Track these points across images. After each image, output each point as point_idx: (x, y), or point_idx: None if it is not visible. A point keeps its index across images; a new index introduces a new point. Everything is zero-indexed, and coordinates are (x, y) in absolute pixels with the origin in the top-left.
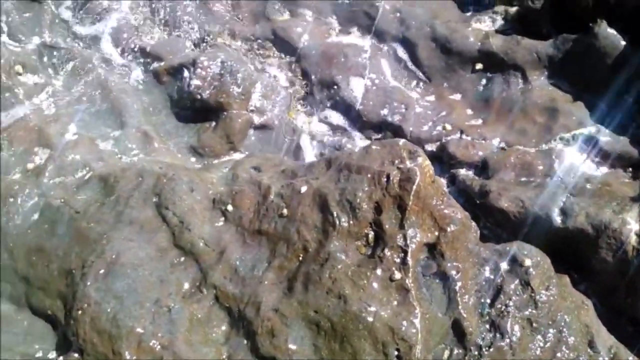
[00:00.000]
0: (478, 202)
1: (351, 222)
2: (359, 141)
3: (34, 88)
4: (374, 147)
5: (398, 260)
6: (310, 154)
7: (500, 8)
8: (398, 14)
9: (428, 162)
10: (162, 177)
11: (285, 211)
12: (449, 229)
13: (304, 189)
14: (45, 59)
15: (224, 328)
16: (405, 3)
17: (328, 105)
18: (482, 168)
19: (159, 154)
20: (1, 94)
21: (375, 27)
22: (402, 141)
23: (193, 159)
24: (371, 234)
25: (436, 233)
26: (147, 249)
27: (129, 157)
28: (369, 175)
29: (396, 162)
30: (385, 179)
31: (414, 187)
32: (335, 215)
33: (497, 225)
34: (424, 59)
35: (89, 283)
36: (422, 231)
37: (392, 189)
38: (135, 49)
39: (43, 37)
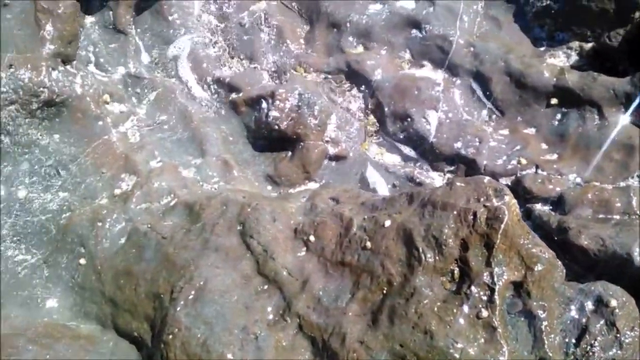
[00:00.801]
0: (556, 238)
1: (437, 257)
2: (432, 174)
3: (120, 116)
4: (458, 183)
5: (485, 297)
6: (383, 185)
7: (574, 44)
8: (472, 49)
9: (514, 200)
10: (246, 207)
11: (368, 244)
12: (536, 268)
13: (387, 223)
14: (129, 88)
15: (308, 357)
16: (479, 38)
17: (401, 137)
18: (559, 203)
19: (237, 182)
20: (91, 122)
21: (449, 61)
22: (486, 179)
23: (269, 187)
24: (456, 270)
25: (523, 272)
26: (232, 276)
27: (210, 184)
28: (454, 212)
29: (482, 199)
30: (472, 217)
31: (502, 225)
32: (421, 250)
33: (574, 262)
34: (498, 92)
35: (179, 308)
36: (509, 269)
37: (480, 227)
38: (214, 80)
39: (128, 67)
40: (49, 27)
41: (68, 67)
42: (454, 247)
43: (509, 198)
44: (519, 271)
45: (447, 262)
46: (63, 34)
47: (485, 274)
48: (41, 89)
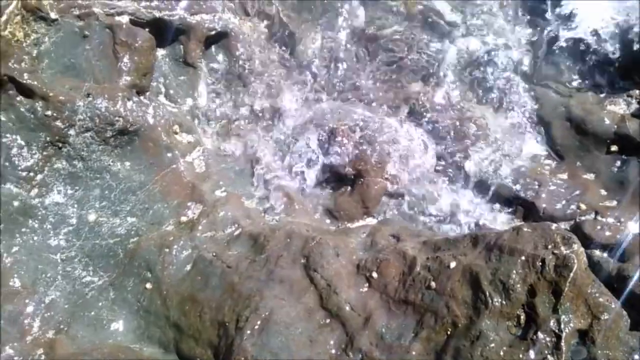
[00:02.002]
0: (615, 285)
1: (504, 302)
2: (489, 214)
3: (188, 146)
4: (525, 229)
5: (551, 344)
6: (441, 222)
7: (635, 92)
8: (532, 92)
9: (582, 249)
10: (310, 240)
11: (433, 284)
12: (602, 317)
13: (452, 264)
14: (196, 119)
15: None
16: (539, 82)
17: (459, 176)
18: (618, 251)
19: (298, 215)
20: (161, 151)
21: (509, 103)
22: (554, 225)
23: (328, 221)
24: (523, 316)
25: (589, 320)
26: (297, 308)
27: (272, 216)
28: (522, 258)
29: (550, 246)
30: (540, 264)
31: (571, 274)
32: (487, 294)
33: (634, 309)
34: (558, 137)
35: (245, 337)
36: (575, 317)
37: (548, 274)
38: (276, 110)
39: (195, 99)
40: (126, 60)
41: (141, 97)
42: (521, 292)
43: (578, 246)
44: (585, 319)
45: (514, 307)
46: (139, 66)
47: (552, 321)
48: (116, 118)
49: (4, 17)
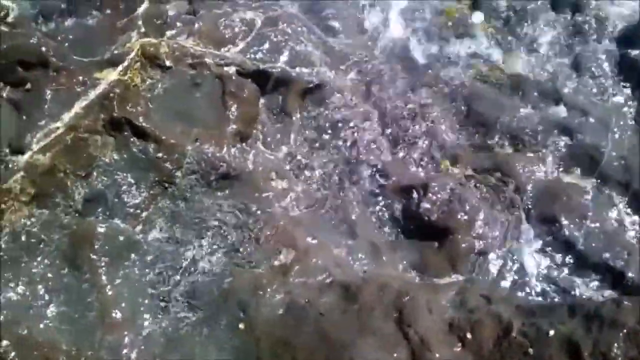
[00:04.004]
0: None
1: None
2: (577, 280)
3: (282, 193)
4: (625, 302)
5: None
6: (529, 286)
7: None
8: (623, 161)
9: None
10: (404, 294)
11: (530, 350)
12: None
13: (551, 332)
14: (291, 167)
15: None
16: (630, 152)
17: (547, 240)
18: None
19: (385, 267)
20: (258, 196)
21: (599, 171)
22: None
23: (414, 275)
24: None
25: None
26: None
27: (361, 266)
28: (624, 331)
29: None
30: None
31: None
32: None
33: None
34: None
35: None
36: None
37: None
38: (367, 162)
39: (290, 148)
40: (233, 109)
41: (243, 144)
42: None
43: None
44: None
45: None
46: (245, 115)
47: None
48: (221, 163)
49: (126, 63)
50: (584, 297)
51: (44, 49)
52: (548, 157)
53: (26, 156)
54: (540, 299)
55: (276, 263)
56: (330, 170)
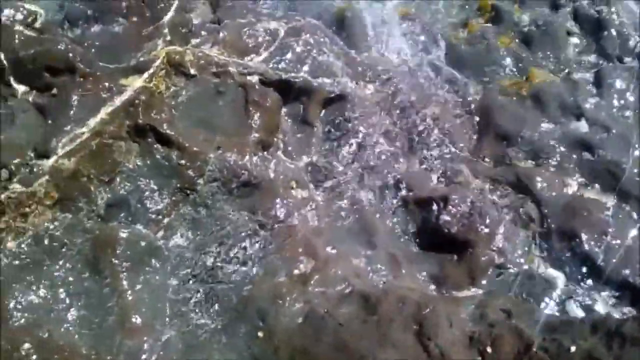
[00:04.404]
0: None
1: None
2: (596, 295)
3: (302, 202)
4: None
5: None
6: (549, 301)
7: None
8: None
9: None
10: (424, 307)
11: None
12: None
13: (573, 348)
14: (310, 176)
15: None
16: None
17: (567, 255)
18: None
19: (404, 279)
20: (278, 204)
21: (620, 187)
22: None
23: (433, 287)
24: None
25: None
26: None
27: (380, 277)
28: None
29: None
30: None
31: None
32: None
33: None
34: None
35: None
36: None
37: None
38: (387, 173)
39: (310, 157)
40: (256, 117)
41: (265, 153)
42: None
43: None
44: None
45: None
46: (267, 124)
47: None
48: (242, 171)
49: (151, 70)
50: (603, 313)
51: (71, 55)
52: (569, 172)
53: (51, 160)
54: (560, 314)
55: (296, 272)
56: (350, 180)
